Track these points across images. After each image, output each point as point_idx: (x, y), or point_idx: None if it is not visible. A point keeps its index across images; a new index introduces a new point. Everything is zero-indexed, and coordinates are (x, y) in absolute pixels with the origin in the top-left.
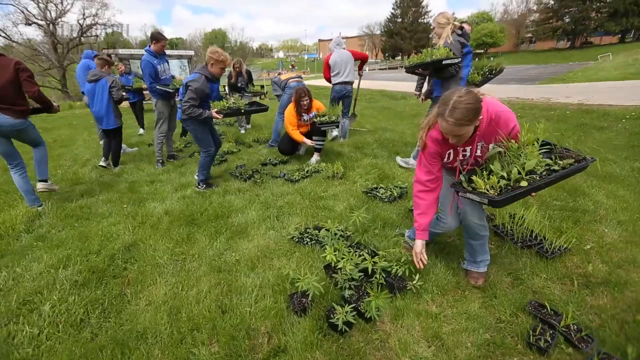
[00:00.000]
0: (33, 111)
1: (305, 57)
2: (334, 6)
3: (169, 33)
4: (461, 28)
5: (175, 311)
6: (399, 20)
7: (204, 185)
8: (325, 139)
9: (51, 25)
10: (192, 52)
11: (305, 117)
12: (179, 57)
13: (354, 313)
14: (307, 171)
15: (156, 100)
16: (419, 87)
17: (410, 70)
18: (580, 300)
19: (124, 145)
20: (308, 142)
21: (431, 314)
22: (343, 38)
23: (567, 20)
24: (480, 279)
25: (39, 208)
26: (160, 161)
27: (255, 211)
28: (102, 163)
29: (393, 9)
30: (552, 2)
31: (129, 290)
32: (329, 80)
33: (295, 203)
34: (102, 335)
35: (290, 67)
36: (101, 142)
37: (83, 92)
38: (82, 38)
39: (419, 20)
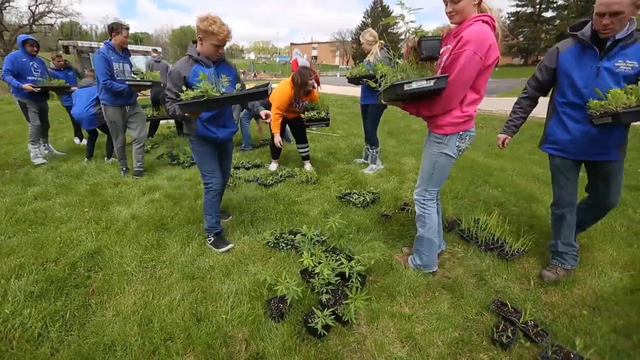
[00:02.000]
0: None
1: (277, 59)
2: (306, 11)
3: (133, 27)
4: (386, 46)
5: (146, 321)
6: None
7: (212, 239)
8: (308, 145)
9: None
10: (159, 48)
11: (301, 103)
12: (145, 52)
13: (333, 317)
14: (280, 175)
15: (105, 107)
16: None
17: (354, 81)
18: (536, 298)
19: (50, 146)
20: (278, 141)
21: (404, 315)
22: (315, 43)
23: (521, 39)
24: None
25: None
26: (125, 169)
27: (233, 213)
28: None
29: (364, 17)
30: (509, 22)
31: (93, 300)
32: None
33: (270, 208)
34: (64, 350)
35: (263, 70)
36: (79, 143)
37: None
38: (33, 26)
39: (389, 30)
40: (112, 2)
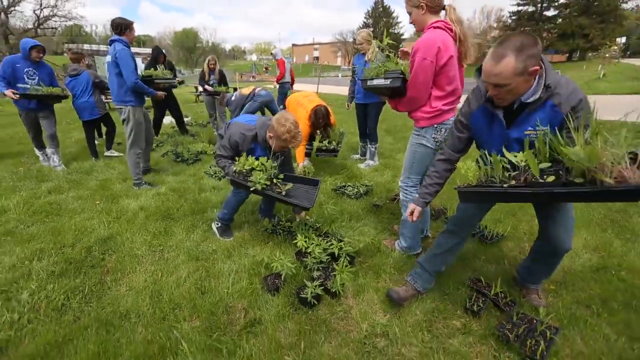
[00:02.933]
0: None
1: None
2: (306, 12)
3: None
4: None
5: (157, 294)
6: (371, 29)
7: (219, 224)
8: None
9: (2, 14)
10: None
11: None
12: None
13: (322, 288)
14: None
15: (133, 109)
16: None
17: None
18: (509, 275)
19: (54, 157)
20: (303, 166)
21: (387, 289)
22: (316, 44)
23: None
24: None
25: None
26: (140, 182)
27: None
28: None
29: (365, 18)
30: (510, 21)
31: (108, 278)
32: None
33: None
34: (85, 317)
35: (264, 70)
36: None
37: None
38: (38, 30)
39: (390, 30)
40: (114, 5)
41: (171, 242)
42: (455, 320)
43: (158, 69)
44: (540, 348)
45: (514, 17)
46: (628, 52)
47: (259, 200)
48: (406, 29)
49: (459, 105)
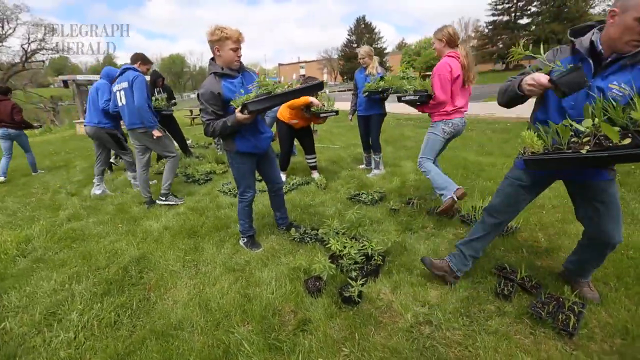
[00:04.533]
0: None
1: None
2: (289, 31)
3: (124, 58)
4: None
5: (204, 304)
6: (355, 45)
7: (245, 239)
8: (316, 156)
9: None
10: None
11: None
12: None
13: (364, 286)
14: (292, 184)
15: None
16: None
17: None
18: (529, 262)
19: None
20: (314, 100)
21: (422, 283)
22: (302, 62)
23: (500, 45)
24: None
25: None
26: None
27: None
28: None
29: (348, 35)
30: (487, 31)
31: (152, 294)
32: None
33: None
34: (140, 331)
35: None
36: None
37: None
38: (25, 64)
39: (373, 46)
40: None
41: (203, 257)
42: (490, 305)
43: (156, 93)
44: (572, 321)
45: (490, 27)
46: None
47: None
48: (388, 43)
49: (456, 120)
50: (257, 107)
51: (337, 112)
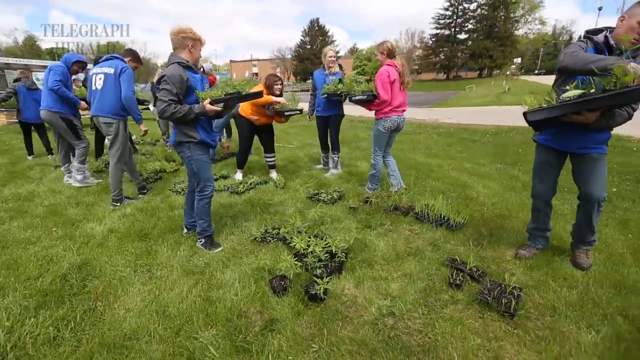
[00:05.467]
0: None
1: (218, 77)
2: (241, 28)
3: (48, 41)
4: (340, 65)
5: (162, 310)
6: (308, 46)
7: (203, 240)
8: (275, 155)
9: None
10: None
11: (271, 107)
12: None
13: (330, 283)
14: (250, 183)
15: (123, 122)
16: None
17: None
18: (475, 254)
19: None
20: (277, 99)
21: (383, 277)
22: (255, 60)
23: (442, 57)
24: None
25: None
26: (120, 198)
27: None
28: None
29: (302, 36)
30: (431, 42)
31: (99, 303)
32: None
33: (247, 211)
34: (86, 345)
35: None
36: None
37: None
38: None
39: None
40: (18, 13)
41: (157, 260)
42: (444, 294)
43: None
44: (512, 304)
45: (433, 39)
46: (522, 71)
47: (236, 209)
48: (341, 47)
49: (394, 117)
50: (227, 103)
51: (301, 110)
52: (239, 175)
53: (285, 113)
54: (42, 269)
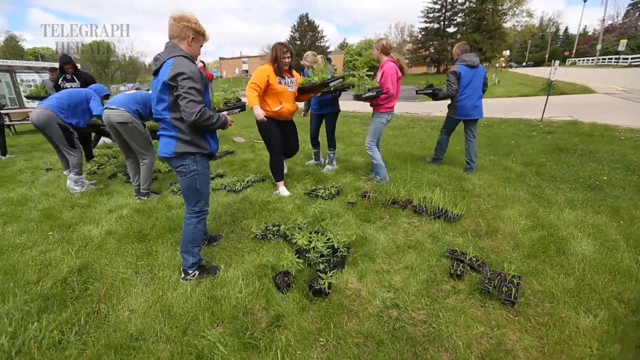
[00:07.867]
0: None
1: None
2: (230, 25)
3: (30, 42)
4: (328, 58)
5: (167, 310)
6: (298, 42)
7: (197, 273)
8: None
9: None
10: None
11: (287, 79)
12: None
13: (333, 278)
14: (247, 181)
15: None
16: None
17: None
18: (474, 244)
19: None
20: (260, 113)
21: (385, 270)
22: (245, 57)
23: (432, 50)
24: None
25: None
26: (148, 192)
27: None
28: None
29: (292, 32)
30: (420, 36)
31: (103, 305)
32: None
33: (246, 209)
34: (93, 347)
35: None
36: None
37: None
38: None
39: (317, 44)
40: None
41: (159, 261)
42: (446, 285)
43: (61, 81)
44: (513, 292)
45: (423, 33)
46: (511, 63)
47: (234, 207)
48: (331, 42)
49: (393, 112)
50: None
51: (347, 84)
52: (283, 190)
53: (330, 84)
54: (41, 273)
